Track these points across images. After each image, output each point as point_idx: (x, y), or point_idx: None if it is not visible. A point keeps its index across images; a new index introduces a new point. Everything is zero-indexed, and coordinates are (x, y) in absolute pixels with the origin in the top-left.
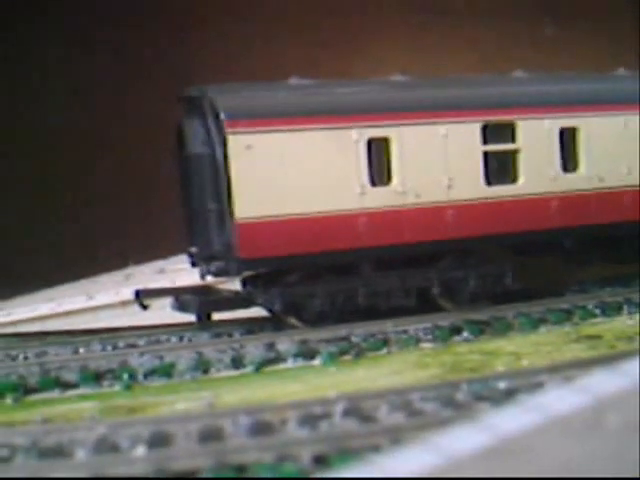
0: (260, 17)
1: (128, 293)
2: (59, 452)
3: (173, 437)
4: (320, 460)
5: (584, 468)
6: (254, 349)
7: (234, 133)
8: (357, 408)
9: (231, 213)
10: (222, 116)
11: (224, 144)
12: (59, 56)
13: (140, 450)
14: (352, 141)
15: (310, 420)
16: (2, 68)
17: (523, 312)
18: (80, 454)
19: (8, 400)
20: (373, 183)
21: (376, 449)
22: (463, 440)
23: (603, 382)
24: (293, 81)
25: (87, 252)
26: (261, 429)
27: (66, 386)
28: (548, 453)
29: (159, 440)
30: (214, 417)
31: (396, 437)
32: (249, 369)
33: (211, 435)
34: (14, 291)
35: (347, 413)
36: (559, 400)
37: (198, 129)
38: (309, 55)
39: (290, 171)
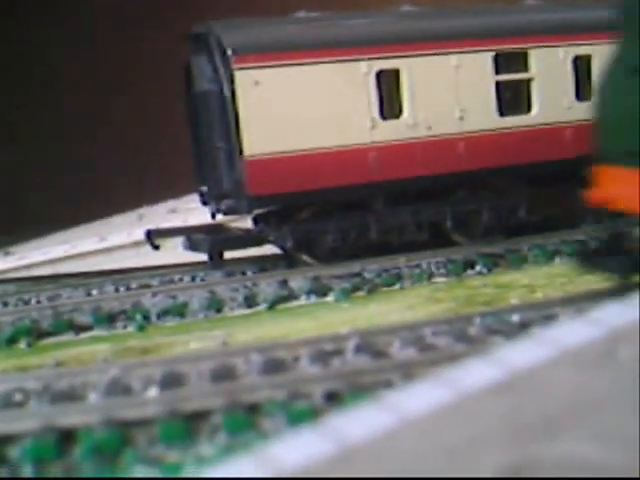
0: None
1: (140, 234)
2: (71, 396)
3: (185, 377)
4: (332, 397)
5: (597, 400)
6: (267, 287)
7: (241, 69)
8: (369, 344)
9: (240, 150)
10: (229, 52)
11: (231, 80)
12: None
13: (152, 391)
14: (361, 74)
15: (322, 357)
16: (17, 20)
17: (537, 244)
18: (92, 397)
19: (22, 345)
20: (383, 116)
21: (388, 385)
22: (474, 374)
23: (616, 314)
24: (300, 15)
25: (101, 194)
26: (273, 367)
27: (79, 329)
28: (560, 386)
29: (171, 381)
30: (226, 356)
31: (408, 372)
32: (262, 307)
33: (223, 374)
34: (27, 235)
35: (359, 349)
36: (571, 333)
37: (205, 66)
38: None
39: (299, 106)
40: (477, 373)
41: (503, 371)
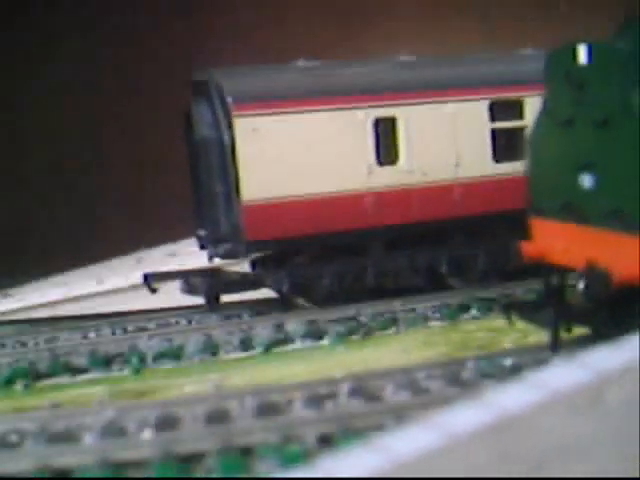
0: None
1: (138, 277)
2: (67, 437)
3: (180, 420)
4: (325, 440)
5: (585, 444)
6: (263, 330)
7: (240, 116)
8: (363, 387)
9: (238, 195)
10: (228, 99)
11: (230, 127)
12: (74, 47)
13: (147, 433)
14: (359, 121)
15: (316, 400)
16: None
17: (531, 288)
18: (88, 439)
19: (18, 386)
20: (380, 163)
21: (381, 428)
22: (465, 418)
23: (604, 358)
24: (299, 63)
25: (99, 237)
26: (267, 410)
27: (76, 371)
28: (550, 430)
29: (166, 423)
30: (221, 399)
31: (400, 415)
32: (258, 350)
33: (218, 417)
34: (25, 277)
35: (353, 393)
36: (561, 376)
37: (206, 113)
38: (319, 36)
39: (297, 152)
40: (468, 416)
41: (493, 414)
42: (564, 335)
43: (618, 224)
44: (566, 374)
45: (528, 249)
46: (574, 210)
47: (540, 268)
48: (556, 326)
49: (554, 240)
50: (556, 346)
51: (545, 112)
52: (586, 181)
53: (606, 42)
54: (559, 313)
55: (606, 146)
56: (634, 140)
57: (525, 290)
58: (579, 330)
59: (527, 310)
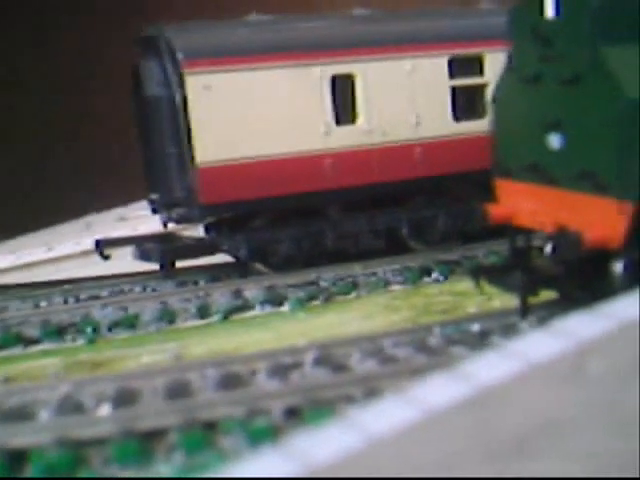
0: None
1: (89, 243)
2: (22, 414)
3: (139, 394)
4: (292, 413)
5: (567, 417)
6: (220, 297)
7: (192, 73)
8: (328, 356)
9: (192, 157)
10: (179, 56)
11: (182, 85)
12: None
13: (105, 409)
14: (315, 78)
15: (280, 370)
16: None
17: (494, 250)
18: (44, 415)
19: None
20: (338, 122)
21: (349, 400)
22: (441, 391)
23: (584, 325)
24: (252, 18)
25: (48, 202)
26: (230, 382)
27: (28, 342)
28: (530, 402)
29: (125, 398)
30: (181, 371)
31: (370, 386)
32: (216, 318)
33: (178, 390)
34: None
35: (318, 362)
36: (539, 346)
37: (155, 70)
38: None
39: (251, 112)
40: (444, 389)
41: (471, 387)
42: (532, 299)
43: (588, 186)
44: (545, 343)
45: (494, 211)
46: (542, 171)
47: (504, 230)
48: (524, 290)
49: (521, 202)
50: (525, 311)
51: (510, 69)
52: (554, 141)
53: None
54: (527, 277)
55: (575, 105)
56: (604, 98)
57: (487, 252)
58: (546, 294)
59: (494, 274)
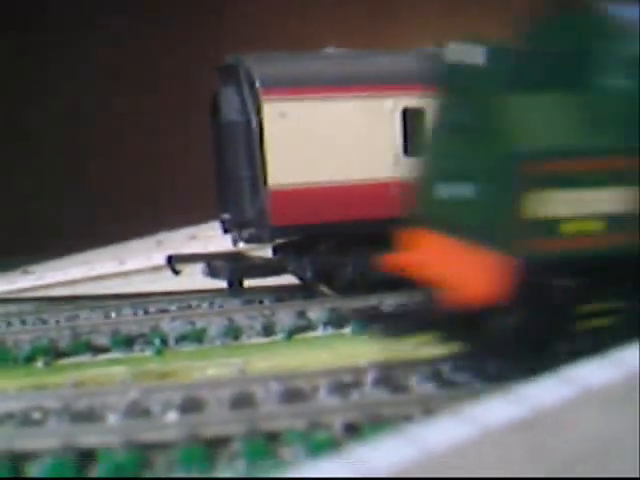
0: None
1: (159, 258)
2: (91, 416)
3: (205, 403)
4: (351, 428)
5: (617, 441)
6: (285, 316)
7: (269, 100)
8: (388, 377)
9: (264, 180)
10: (257, 84)
11: (259, 111)
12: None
13: (171, 415)
14: (387, 110)
15: (341, 388)
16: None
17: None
18: (112, 418)
19: (39, 364)
20: (406, 152)
21: (407, 418)
22: (497, 411)
23: (637, 356)
24: (328, 50)
25: (118, 219)
26: (292, 396)
27: (97, 350)
28: (583, 426)
29: (190, 406)
30: (246, 383)
31: (429, 407)
32: (280, 336)
33: (243, 401)
34: (44, 255)
35: (378, 382)
36: (595, 373)
37: (233, 97)
38: (342, 28)
39: (323, 139)
40: (500, 409)
41: (526, 409)
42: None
43: (480, 238)
44: (599, 370)
45: (389, 261)
46: (446, 222)
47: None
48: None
49: (421, 252)
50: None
51: (434, 116)
52: (458, 190)
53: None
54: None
55: (474, 154)
56: (489, 148)
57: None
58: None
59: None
